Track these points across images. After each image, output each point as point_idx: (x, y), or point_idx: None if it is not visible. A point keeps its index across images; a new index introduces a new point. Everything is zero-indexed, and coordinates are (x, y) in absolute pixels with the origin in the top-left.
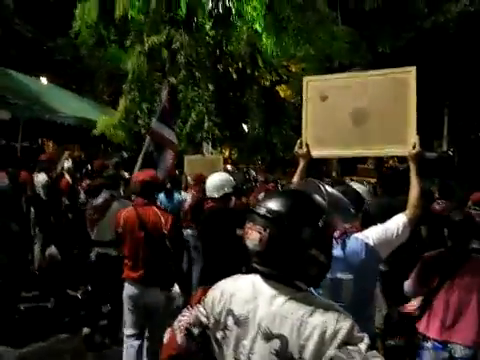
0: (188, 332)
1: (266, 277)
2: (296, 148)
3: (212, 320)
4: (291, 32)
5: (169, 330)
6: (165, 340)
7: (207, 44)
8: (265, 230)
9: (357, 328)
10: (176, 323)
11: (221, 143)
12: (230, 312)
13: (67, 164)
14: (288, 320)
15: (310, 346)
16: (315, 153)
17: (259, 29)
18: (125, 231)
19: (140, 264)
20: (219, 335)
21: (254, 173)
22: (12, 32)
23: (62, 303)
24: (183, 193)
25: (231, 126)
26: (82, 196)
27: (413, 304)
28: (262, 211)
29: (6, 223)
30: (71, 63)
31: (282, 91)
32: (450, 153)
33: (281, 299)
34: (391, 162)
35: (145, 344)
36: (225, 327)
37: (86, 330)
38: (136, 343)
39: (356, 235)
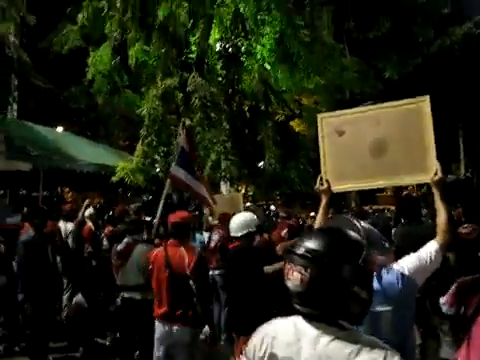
0: None
1: (308, 318)
2: (317, 185)
3: None
4: (301, 66)
5: None
6: None
7: (219, 83)
8: (306, 270)
9: None
10: None
11: (238, 180)
12: (273, 356)
13: (89, 211)
14: None
15: None
16: (336, 188)
17: (268, 66)
18: (153, 270)
19: (165, 302)
20: None
21: (273, 208)
22: (29, 85)
23: (91, 352)
24: (205, 233)
25: (248, 163)
26: (105, 242)
27: None
28: (301, 251)
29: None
30: (85, 111)
31: (296, 126)
32: (469, 175)
33: (325, 339)
34: (409, 188)
35: None
36: None
37: None
38: None
39: (391, 266)
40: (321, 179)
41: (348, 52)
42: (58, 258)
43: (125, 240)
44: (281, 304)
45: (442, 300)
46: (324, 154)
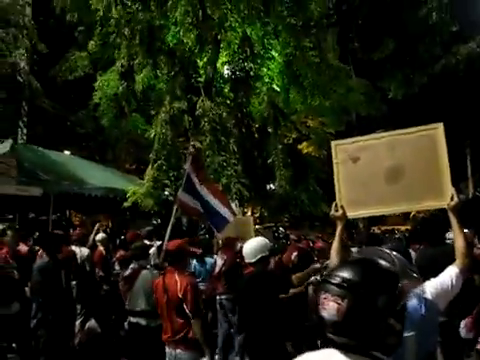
0: None
1: (343, 348)
2: (332, 211)
3: None
4: (309, 87)
5: None
6: None
7: (227, 106)
8: (343, 300)
9: None
10: None
11: (247, 202)
12: None
13: (100, 236)
14: None
15: None
16: (351, 214)
17: (278, 88)
18: (156, 296)
19: (168, 327)
20: None
21: (282, 230)
22: (38, 110)
23: None
24: (215, 256)
25: (258, 186)
26: (117, 267)
27: None
28: (337, 280)
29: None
30: (93, 135)
31: (304, 148)
32: (478, 194)
33: None
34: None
35: None
36: None
37: None
38: None
39: (414, 291)
40: (336, 205)
41: (354, 73)
42: (72, 283)
43: (131, 266)
44: (292, 330)
45: (462, 324)
46: (338, 180)
